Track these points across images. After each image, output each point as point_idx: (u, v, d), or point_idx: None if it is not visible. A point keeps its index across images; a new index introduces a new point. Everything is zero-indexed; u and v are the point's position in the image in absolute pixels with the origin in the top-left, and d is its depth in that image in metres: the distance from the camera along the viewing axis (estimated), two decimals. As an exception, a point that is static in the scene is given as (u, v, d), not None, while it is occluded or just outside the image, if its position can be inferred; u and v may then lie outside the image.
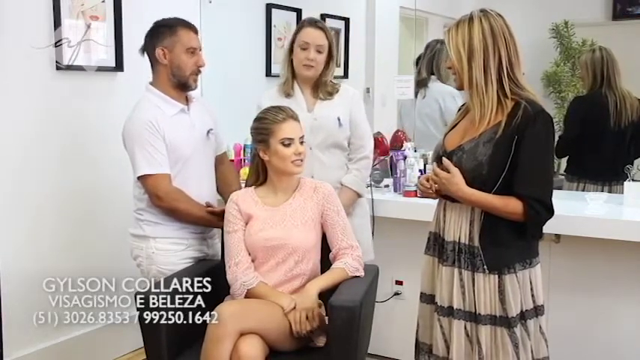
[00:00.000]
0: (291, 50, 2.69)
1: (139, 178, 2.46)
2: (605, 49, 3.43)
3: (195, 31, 2.53)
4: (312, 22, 2.68)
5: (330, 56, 2.68)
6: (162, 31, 2.48)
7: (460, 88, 2.04)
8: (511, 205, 1.93)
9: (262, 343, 2.13)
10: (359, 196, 2.71)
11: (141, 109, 2.48)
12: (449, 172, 1.99)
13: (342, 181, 2.67)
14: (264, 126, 2.32)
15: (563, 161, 3.67)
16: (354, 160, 2.73)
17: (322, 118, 2.66)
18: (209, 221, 2.52)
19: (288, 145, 2.29)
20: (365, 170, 2.74)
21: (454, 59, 1.98)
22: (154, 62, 2.52)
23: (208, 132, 2.60)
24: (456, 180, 1.97)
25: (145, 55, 2.53)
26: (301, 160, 2.32)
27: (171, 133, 2.46)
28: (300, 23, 2.74)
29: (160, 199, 2.44)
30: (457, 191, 1.98)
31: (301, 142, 2.32)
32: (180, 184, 2.48)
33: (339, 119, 2.66)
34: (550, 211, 1.95)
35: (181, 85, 2.51)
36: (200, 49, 2.53)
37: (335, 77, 2.77)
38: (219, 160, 2.73)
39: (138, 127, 2.43)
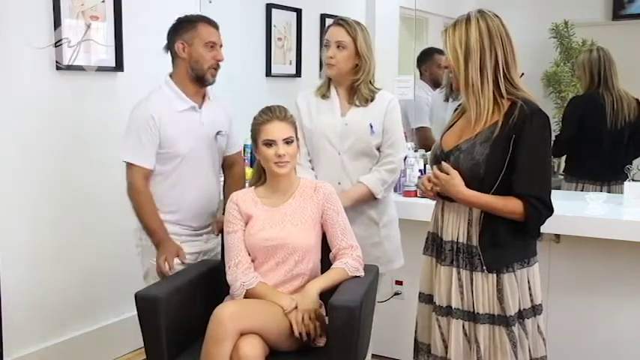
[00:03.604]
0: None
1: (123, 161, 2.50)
2: (603, 49, 3.43)
3: (216, 27, 2.56)
4: (336, 21, 2.64)
5: (358, 56, 2.56)
6: (184, 26, 2.52)
7: (457, 88, 2.04)
8: (511, 205, 1.93)
9: (262, 343, 2.13)
10: (373, 196, 2.57)
11: (150, 99, 2.52)
12: (448, 175, 1.99)
13: (358, 179, 2.57)
14: (253, 127, 2.35)
15: (563, 161, 3.68)
16: (379, 164, 2.61)
17: (353, 123, 2.57)
18: (158, 238, 2.48)
19: (270, 146, 2.29)
20: (386, 173, 2.58)
21: (451, 59, 1.99)
22: (174, 56, 2.55)
23: (217, 133, 2.61)
24: (455, 182, 1.97)
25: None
26: (286, 162, 2.29)
27: (171, 129, 2.47)
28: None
29: (133, 189, 2.47)
30: (457, 193, 1.98)
31: (288, 143, 2.30)
32: (174, 182, 2.51)
33: (371, 126, 2.57)
34: (550, 209, 1.95)
35: (199, 79, 2.53)
36: (220, 45, 2.55)
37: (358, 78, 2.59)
38: (233, 161, 2.74)
39: (139, 116, 2.47)
